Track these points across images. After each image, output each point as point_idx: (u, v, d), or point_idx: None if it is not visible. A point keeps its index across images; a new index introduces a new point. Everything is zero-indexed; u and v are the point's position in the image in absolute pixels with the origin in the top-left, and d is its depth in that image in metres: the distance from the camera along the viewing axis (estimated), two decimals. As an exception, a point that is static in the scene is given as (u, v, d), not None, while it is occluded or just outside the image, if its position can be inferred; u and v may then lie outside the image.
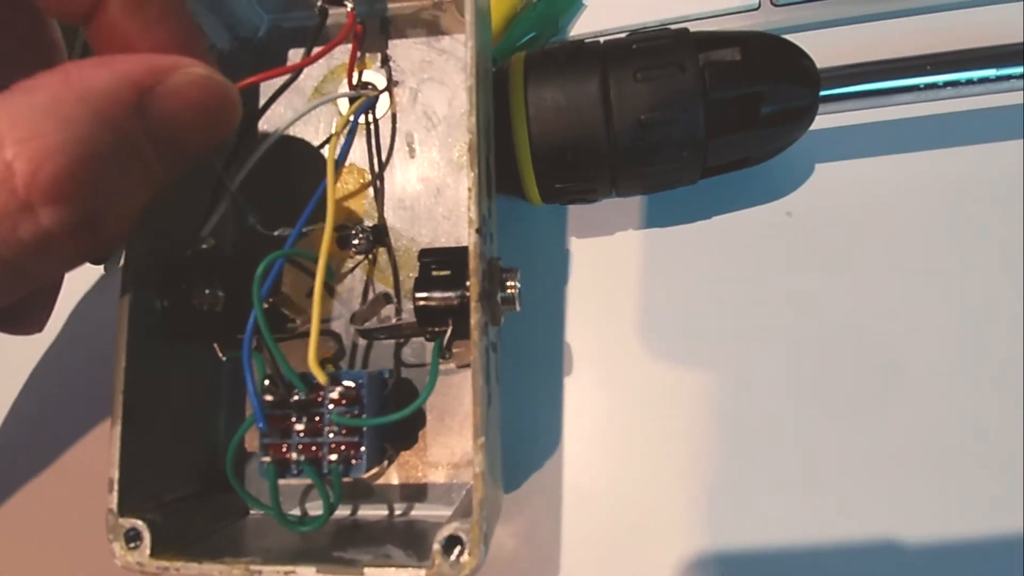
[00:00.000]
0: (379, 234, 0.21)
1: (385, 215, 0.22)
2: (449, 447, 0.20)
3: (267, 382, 0.17)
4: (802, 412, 0.22)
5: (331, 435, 0.17)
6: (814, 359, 0.22)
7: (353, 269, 0.21)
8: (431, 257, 0.18)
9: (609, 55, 0.21)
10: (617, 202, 0.24)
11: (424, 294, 0.17)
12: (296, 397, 0.17)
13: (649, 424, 0.22)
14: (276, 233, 0.19)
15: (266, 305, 0.17)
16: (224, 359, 0.20)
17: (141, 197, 0.14)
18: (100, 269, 0.29)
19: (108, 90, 0.12)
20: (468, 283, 0.17)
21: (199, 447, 0.20)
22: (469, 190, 0.16)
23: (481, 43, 0.18)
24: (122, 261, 0.17)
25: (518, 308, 0.18)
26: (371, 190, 0.22)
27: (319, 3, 0.20)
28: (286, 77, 0.19)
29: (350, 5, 0.20)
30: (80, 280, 0.30)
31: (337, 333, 0.21)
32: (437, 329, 0.18)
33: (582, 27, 0.28)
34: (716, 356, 0.23)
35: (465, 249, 0.18)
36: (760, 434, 0.22)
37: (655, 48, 0.21)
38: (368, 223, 0.21)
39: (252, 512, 0.20)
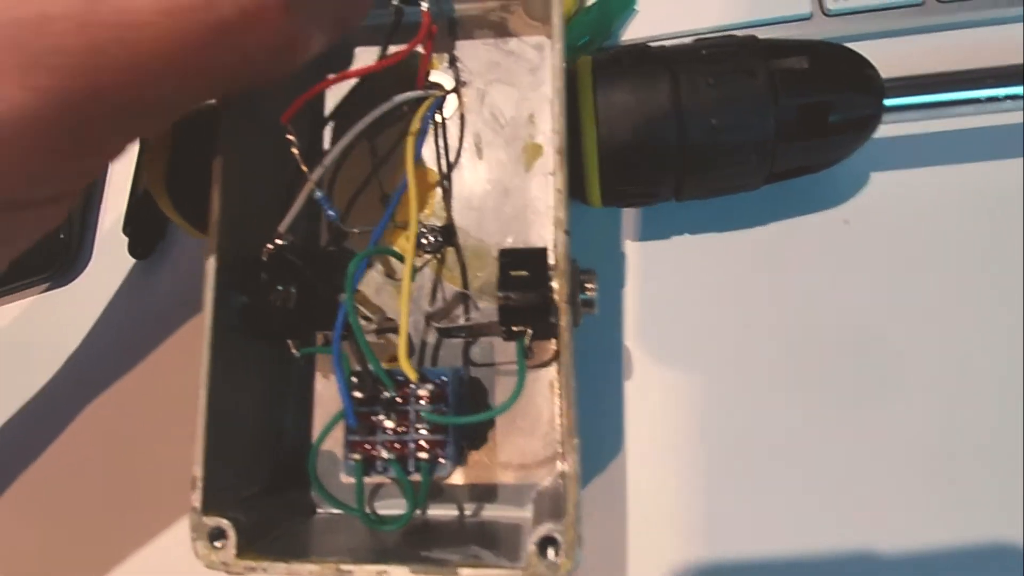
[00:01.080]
0: (448, 234, 0.21)
1: (453, 215, 0.22)
2: (519, 448, 0.20)
3: (354, 379, 0.17)
4: (860, 419, 0.22)
5: (419, 433, 0.17)
6: (869, 366, 0.23)
7: (422, 268, 0.21)
8: (511, 257, 0.18)
9: (678, 59, 0.21)
10: (673, 206, 0.25)
11: (508, 294, 0.17)
12: (385, 395, 0.17)
13: (710, 427, 0.22)
14: (356, 230, 0.19)
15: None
16: (298, 355, 0.20)
17: (326, 15, 0.15)
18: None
19: None
20: (550, 284, 0.17)
21: (268, 443, 0.20)
22: (558, 191, 0.16)
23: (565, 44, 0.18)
24: (210, 260, 0.17)
25: (596, 311, 0.18)
26: (439, 190, 0.22)
27: (395, 2, 0.20)
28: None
29: (426, 4, 0.20)
30: (116, 271, 0.30)
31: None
32: (516, 329, 0.18)
33: (634, 32, 0.28)
34: (773, 360, 0.23)
35: (543, 251, 0.19)
36: (818, 439, 0.22)
37: (726, 54, 0.21)
38: (437, 223, 0.21)
39: (320, 510, 0.20)
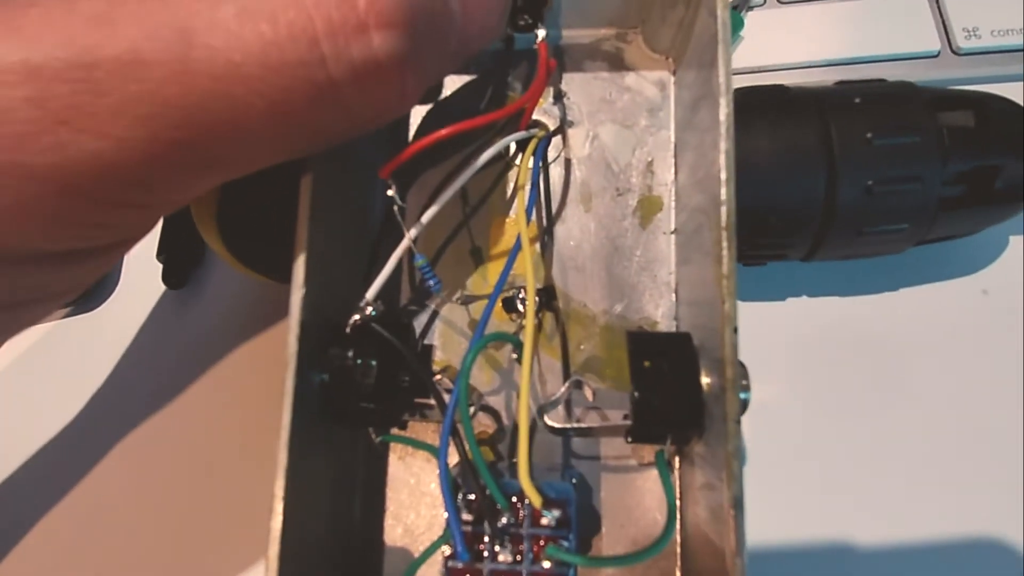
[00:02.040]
0: (548, 297, 0.18)
1: (553, 274, 0.19)
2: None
3: (460, 495, 0.14)
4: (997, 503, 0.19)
5: (534, 565, 0.14)
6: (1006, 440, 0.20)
7: (515, 333, 0.18)
8: (643, 345, 0.15)
9: (828, 107, 0.18)
10: (793, 263, 0.22)
11: (647, 396, 0.14)
12: (503, 521, 0.14)
13: (821, 506, 0.20)
14: (460, 302, 0.16)
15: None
16: (378, 440, 0.17)
17: (435, 67, 0.14)
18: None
19: None
20: (700, 382, 0.15)
21: (337, 537, 0.17)
22: (724, 278, 0.14)
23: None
24: (292, 340, 0.14)
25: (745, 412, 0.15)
26: (538, 245, 0.19)
27: (507, 30, 0.17)
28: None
29: (543, 33, 0.17)
30: (145, 298, 0.27)
31: (495, 410, 0.18)
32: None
33: (739, 61, 0.25)
34: (897, 431, 0.20)
35: (687, 338, 0.16)
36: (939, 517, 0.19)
37: (884, 103, 0.18)
38: (536, 284, 0.18)
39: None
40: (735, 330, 0.13)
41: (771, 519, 0.20)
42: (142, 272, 0.27)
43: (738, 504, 0.13)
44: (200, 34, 0.11)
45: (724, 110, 0.14)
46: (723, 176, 0.14)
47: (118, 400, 0.26)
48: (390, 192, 0.15)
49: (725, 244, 0.14)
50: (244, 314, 0.26)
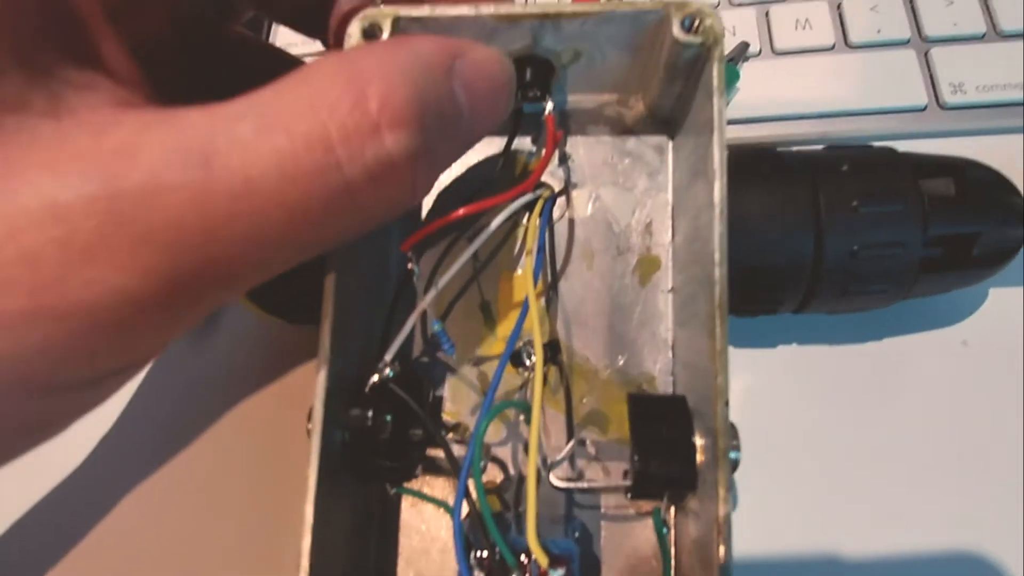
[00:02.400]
0: (553, 351, 0.19)
1: (557, 329, 0.20)
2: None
3: (471, 554, 0.15)
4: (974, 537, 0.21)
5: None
6: (986, 493, 0.21)
7: (521, 387, 0.19)
8: (642, 407, 0.16)
9: (817, 174, 0.19)
10: (784, 315, 0.23)
11: (647, 462, 0.15)
12: (513, 577, 0.15)
13: (814, 557, 0.21)
14: (470, 363, 0.17)
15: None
16: (392, 492, 0.18)
17: (445, 157, 0.15)
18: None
19: (431, 51, 0.14)
20: (695, 445, 0.16)
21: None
22: (718, 354, 0.15)
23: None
24: (318, 409, 0.15)
25: (736, 471, 0.16)
26: (543, 301, 0.20)
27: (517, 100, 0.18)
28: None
29: (549, 106, 0.18)
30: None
31: (502, 461, 0.19)
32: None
33: (735, 111, 0.26)
34: (881, 481, 0.21)
35: (683, 401, 0.17)
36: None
37: (869, 171, 0.19)
38: (541, 339, 0.19)
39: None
40: (727, 403, 0.14)
41: (758, 553, 0.21)
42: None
43: (727, 565, 0.14)
44: (220, 154, 0.11)
45: (718, 194, 0.15)
46: (717, 257, 0.15)
47: (131, 435, 0.27)
48: (410, 265, 0.16)
49: (718, 321, 0.15)
50: (258, 350, 0.27)
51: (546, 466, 0.17)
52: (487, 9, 0.16)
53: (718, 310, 0.15)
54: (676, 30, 0.16)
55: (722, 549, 0.14)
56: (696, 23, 0.16)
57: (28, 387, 0.12)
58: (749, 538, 0.21)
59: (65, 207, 0.11)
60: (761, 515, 0.21)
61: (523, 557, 0.15)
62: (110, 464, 0.26)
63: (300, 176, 0.12)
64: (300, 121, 0.12)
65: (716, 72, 0.16)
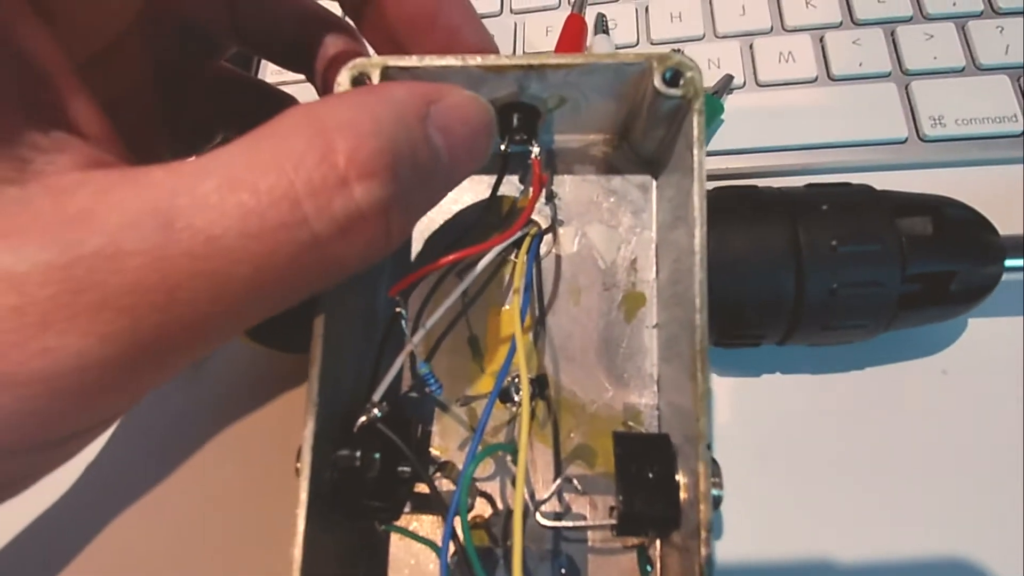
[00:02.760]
0: (540, 386, 0.20)
1: (545, 363, 0.20)
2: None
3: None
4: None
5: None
6: (968, 521, 0.22)
7: (510, 422, 0.20)
8: (627, 447, 0.17)
9: (797, 213, 0.20)
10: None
11: (632, 500, 0.16)
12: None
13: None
14: (460, 405, 0.17)
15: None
16: (382, 529, 0.18)
17: (422, 203, 0.15)
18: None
19: (404, 98, 0.14)
20: (678, 484, 0.16)
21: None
22: (699, 399, 0.15)
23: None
24: (306, 450, 0.15)
25: (719, 508, 0.16)
26: (531, 335, 0.20)
27: (503, 146, 0.19)
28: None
29: (535, 150, 0.19)
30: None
31: (491, 495, 0.19)
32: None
33: (721, 142, 0.27)
34: (866, 511, 0.22)
35: (666, 440, 0.17)
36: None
37: (850, 213, 0.20)
38: (529, 373, 0.20)
39: None
40: (708, 446, 0.15)
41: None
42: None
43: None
44: (181, 214, 0.11)
45: (698, 241, 0.16)
46: (697, 304, 0.15)
47: (120, 463, 0.27)
48: (398, 309, 0.17)
49: (699, 366, 0.15)
50: (248, 380, 0.27)
51: (533, 503, 0.18)
52: (474, 60, 0.17)
53: (699, 355, 0.15)
54: (658, 82, 0.16)
55: (703, 591, 0.14)
56: (678, 76, 0.16)
57: None
58: (734, 562, 0.21)
59: (21, 276, 0.11)
60: (746, 541, 0.22)
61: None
62: (99, 490, 0.26)
63: (265, 232, 0.12)
64: (265, 176, 0.12)
65: (696, 124, 0.16)
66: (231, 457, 0.26)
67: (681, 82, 0.16)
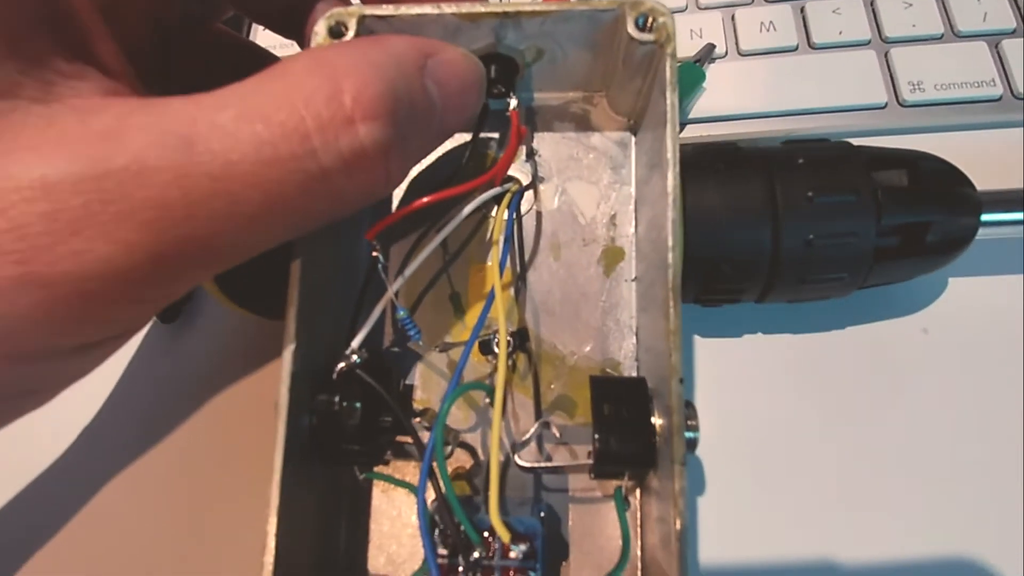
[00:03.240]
0: (520, 338, 0.20)
1: (526, 317, 0.20)
2: (596, 584, 0.18)
3: (437, 531, 0.16)
4: (943, 539, 0.21)
5: (505, 591, 0.15)
6: (948, 478, 0.22)
7: (491, 375, 0.20)
8: (604, 389, 0.17)
9: (774, 167, 0.20)
10: (749, 303, 0.24)
11: (607, 439, 0.16)
12: (475, 555, 0.15)
13: (783, 542, 0.21)
14: (439, 350, 0.18)
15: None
16: (362, 477, 0.18)
17: (418, 150, 0.16)
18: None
19: (404, 50, 0.15)
20: (653, 425, 0.16)
21: (323, 564, 0.19)
22: (672, 334, 0.15)
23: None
24: (283, 391, 0.15)
25: (695, 451, 0.16)
26: (512, 290, 0.20)
27: (481, 98, 0.19)
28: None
29: (514, 102, 0.19)
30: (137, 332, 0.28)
31: (472, 446, 0.20)
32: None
33: (702, 109, 0.27)
34: (847, 468, 0.22)
35: (642, 383, 0.17)
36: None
37: (824, 164, 0.20)
38: (509, 326, 0.20)
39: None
40: (680, 380, 0.15)
41: (729, 541, 0.21)
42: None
43: (683, 538, 0.14)
44: (201, 138, 0.12)
45: (671, 182, 0.16)
46: (670, 243, 0.16)
47: (109, 430, 0.27)
48: (375, 253, 0.17)
49: (672, 304, 0.15)
50: (233, 348, 0.27)
51: (513, 448, 0.18)
52: (449, 8, 0.17)
53: (672, 292, 0.15)
54: (630, 28, 0.17)
55: (679, 522, 0.14)
56: (649, 21, 0.17)
57: (16, 353, 0.13)
58: (716, 523, 0.22)
59: (54, 184, 0.12)
60: (728, 500, 0.22)
61: (487, 535, 0.16)
62: (87, 459, 0.26)
63: (277, 161, 0.13)
64: (278, 111, 0.13)
65: (669, 67, 0.16)
66: (216, 423, 0.26)
67: (653, 27, 0.16)
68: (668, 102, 0.16)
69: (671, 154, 0.16)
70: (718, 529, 0.22)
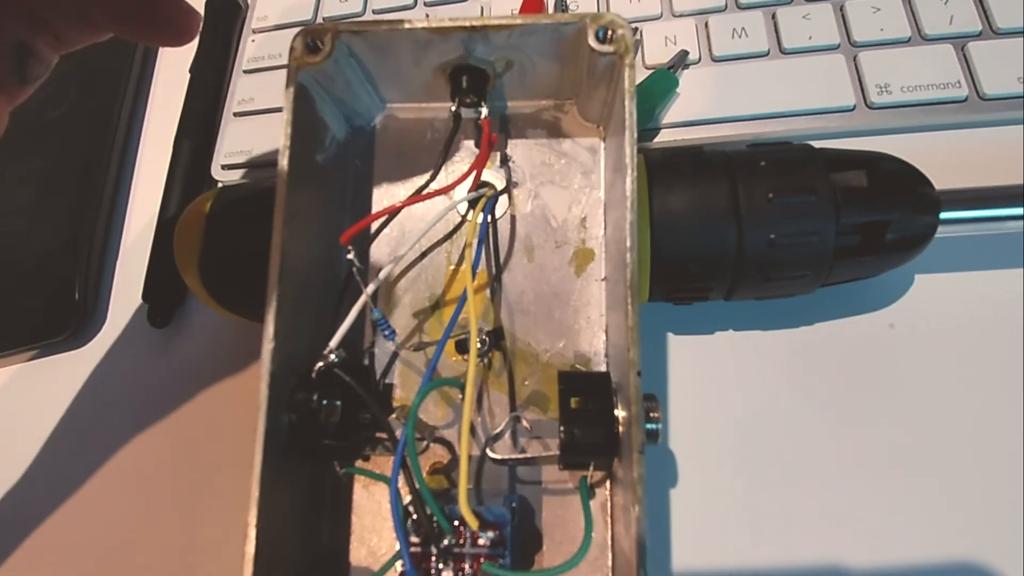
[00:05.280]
0: (496, 338, 0.21)
1: (501, 317, 0.21)
2: (567, 573, 0.19)
3: (409, 521, 0.16)
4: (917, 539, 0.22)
5: (475, 578, 0.16)
6: (918, 476, 0.22)
7: (466, 372, 0.21)
8: (571, 384, 0.18)
9: (737, 170, 0.21)
10: (720, 302, 0.24)
11: (572, 430, 0.17)
12: (445, 542, 0.16)
13: (757, 537, 0.22)
14: (413, 349, 0.18)
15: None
16: (342, 472, 0.19)
17: None
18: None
19: None
20: (616, 417, 0.17)
21: (303, 560, 0.19)
22: (630, 329, 0.16)
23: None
24: (264, 378, 0.16)
25: (659, 442, 0.17)
26: (488, 291, 0.21)
27: (453, 108, 0.20)
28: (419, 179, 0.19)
29: (485, 111, 0.20)
30: (130, 335, 0.29)
31: (449, 442, 0.20)
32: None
33: (676, 115, 0.28)
34: (816, 463, 0.23)
35: (607, 377, 0.18)
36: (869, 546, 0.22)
37: (785, 166, 0.21)
38: (485, 326, 0.21)
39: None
40: (639, 373, 0.16)
41: (702, 532, 0.22)
42: (128, 312, 0.30)
43: (641, 522, 0.15)
44: None
45: (629, 186, 0.17)
46: (628, 243, 0.16)
47: (102, 432, 0.28)
48: (349, 256, 0.18)
49: (629, 300, 0.16)
50: (223, 351, 0.28)
51: (486, 441, 0.18)
52: (420, 23, 0.18)
53: (629, 290, 0.16)
54: (591, 40, 0.17)
55: (637, 507, 0.15)
56: (609, 34, 0.17)
57: None
58: (690, 517, 0.22)
59: None
60: (701, 494, 0.23)
61: (458, 524, 0.16)
62: (80, 460, 0.27)
63: None
64: None
65: (627, 77, 0.17)
66: (206, 424, 0.27)
67: (613, 38, 0.17)
68: (626, 109, 0.17)
69: (629, 159, 0.17)
70: (690, 520, 0.22)
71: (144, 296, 0.28)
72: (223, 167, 0.30)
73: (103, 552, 0.26)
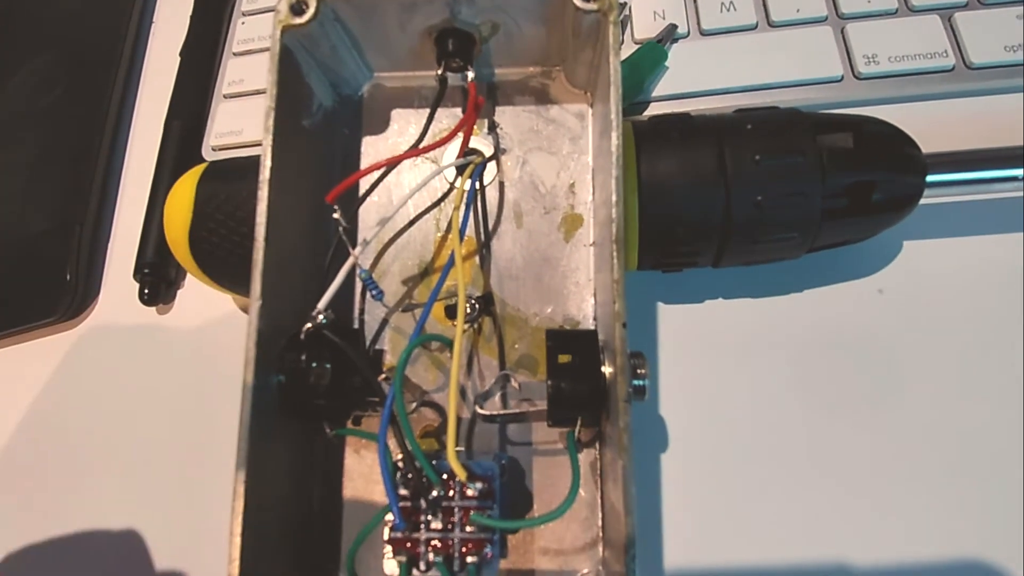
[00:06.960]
0: (485, 303, 0.21)
1: (491, 283, 0.21)
2: (558, 533, 0.19)
3: (398, 474, 0.17)
4: (895, 499, 0.22)
5: (465, 531, 0.16)
6: (905, 439, 0.22)
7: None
8: (558, 341, 0.18)
9: (724, 133, 0.21)
10: (708, 270, 0.24)
11: (559, 383, 0.17)
12: (434, 494, 0.16)
13: (748, 504, 0.22)
14: (401, 310, 0.18)
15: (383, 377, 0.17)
16: (332, 434, 0.19)
17: None
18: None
19: None
20: (602, 371, 0.17)
21: (298, 522, 0.19)
22: (615, 282, 0.16)
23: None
24: (251, 335, 0.16)
25: (647, 398, 0.17)
26: (477, 258, 0.21)
27: (439, 72, 0.20)
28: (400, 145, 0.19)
29: (472, 75, 0.20)
30: (123, 315, 0.29)
31: (440, 405, 0.20)
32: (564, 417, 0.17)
33: (665, 88, 0.28)
34: (807, 430, 0.23)
35: (593, 334, 0.18)
36: (856, 519, 0.22)
37: (772, 129, 0.21)
38: (475, 291, 0.21)
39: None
40: (624, 325, 0.16)
41: (694, 501, 0.22)
42: (121, 292, 0.30)
43: (628, 471, 0.15)
44: None
45: (615, 141, 0.17)
46: (614, 199, 0.17)
47: (97, 409, 0.28)
48: (335, 215, 0.18)
49: (615, 255, 0.16)
50: (215, 326, 0.28)
51: (476, 400, 0.19)
52: (405, -16, 0.18)
53: (615, 244, 0.16)
54: (575, -2, 0.17)
55: (624, 455, 0.15)
56: (593, -10, 0.17)
57: None
58: (681, 480, 0.22)
59: None
60: (689, 460, 0.23)
61: (447, 477, 0.17)
62: (76, 436, 0.27)
63: None
64: None
65: (612, 33, 0.17)
66: (198, 397, 0.27)
67: (596, -4, 0.17)
68: (611, 67, 0.17)
69: (614, 116, 0.17)
70: (683, 486, 0.22)
71: (135, 274, 0.28)
72: (213, 148, 0.31)
73: (99, 534, 0.26)
